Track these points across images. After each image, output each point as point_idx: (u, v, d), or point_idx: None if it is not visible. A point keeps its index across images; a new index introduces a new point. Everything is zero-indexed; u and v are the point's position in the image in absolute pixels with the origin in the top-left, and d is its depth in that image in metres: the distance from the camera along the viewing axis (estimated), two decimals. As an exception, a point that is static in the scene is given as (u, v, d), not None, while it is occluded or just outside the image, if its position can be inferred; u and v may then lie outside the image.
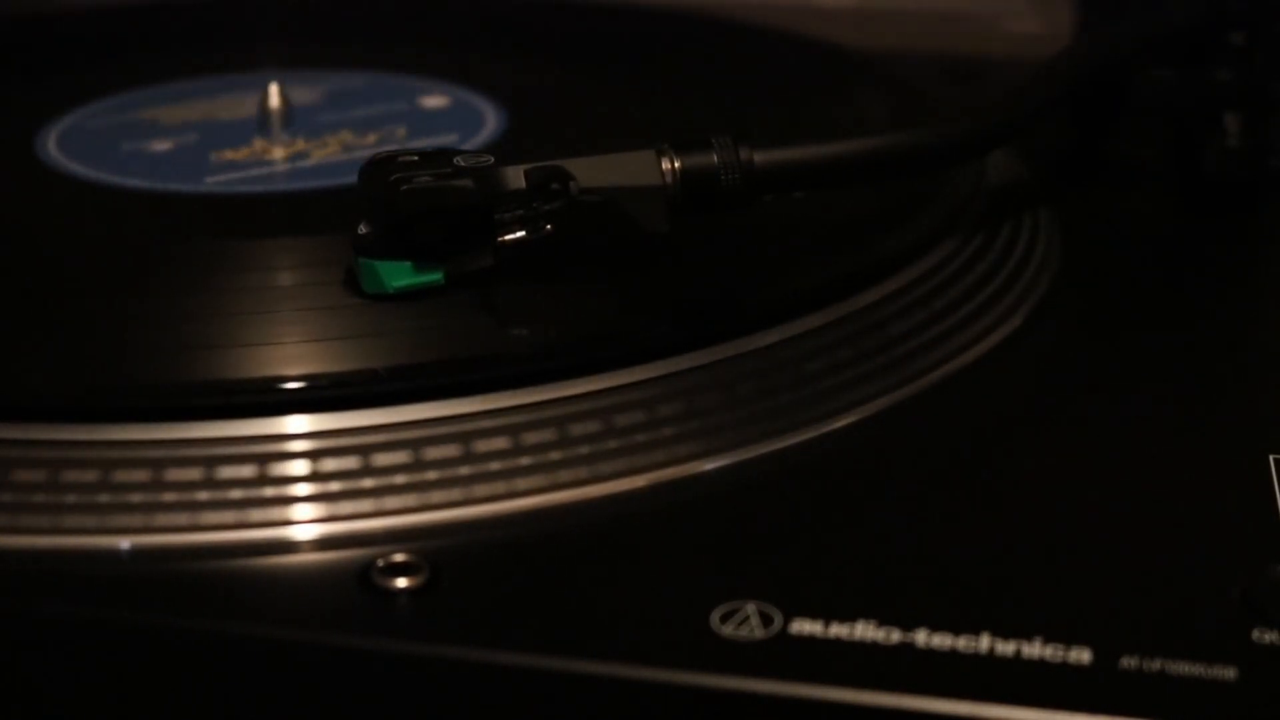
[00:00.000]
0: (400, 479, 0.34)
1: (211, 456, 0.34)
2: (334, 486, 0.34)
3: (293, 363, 0.36)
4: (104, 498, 0.33)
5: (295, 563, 0.33)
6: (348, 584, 0.32)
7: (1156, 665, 0.30)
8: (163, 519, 0.33)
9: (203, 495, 0.33)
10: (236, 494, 0.34)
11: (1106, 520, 0.34)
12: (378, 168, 0.38)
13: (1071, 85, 0.46)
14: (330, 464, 0.34)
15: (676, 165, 0.38)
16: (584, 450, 0.35)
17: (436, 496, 0.34)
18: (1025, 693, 0.29)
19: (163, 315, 0.38)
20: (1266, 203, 0.50)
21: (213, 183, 0.46)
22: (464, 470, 0.34)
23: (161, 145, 0.49)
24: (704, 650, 0.30)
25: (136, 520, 0.33)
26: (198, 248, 0.41)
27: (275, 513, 0.33)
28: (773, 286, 0.40)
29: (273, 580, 0.32)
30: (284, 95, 0.51)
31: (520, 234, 0.37)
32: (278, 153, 0.49)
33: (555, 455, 0.35)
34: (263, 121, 0.51)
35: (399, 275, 0.37)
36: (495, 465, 0.34)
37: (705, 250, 0.40)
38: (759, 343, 0.38)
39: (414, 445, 0.34)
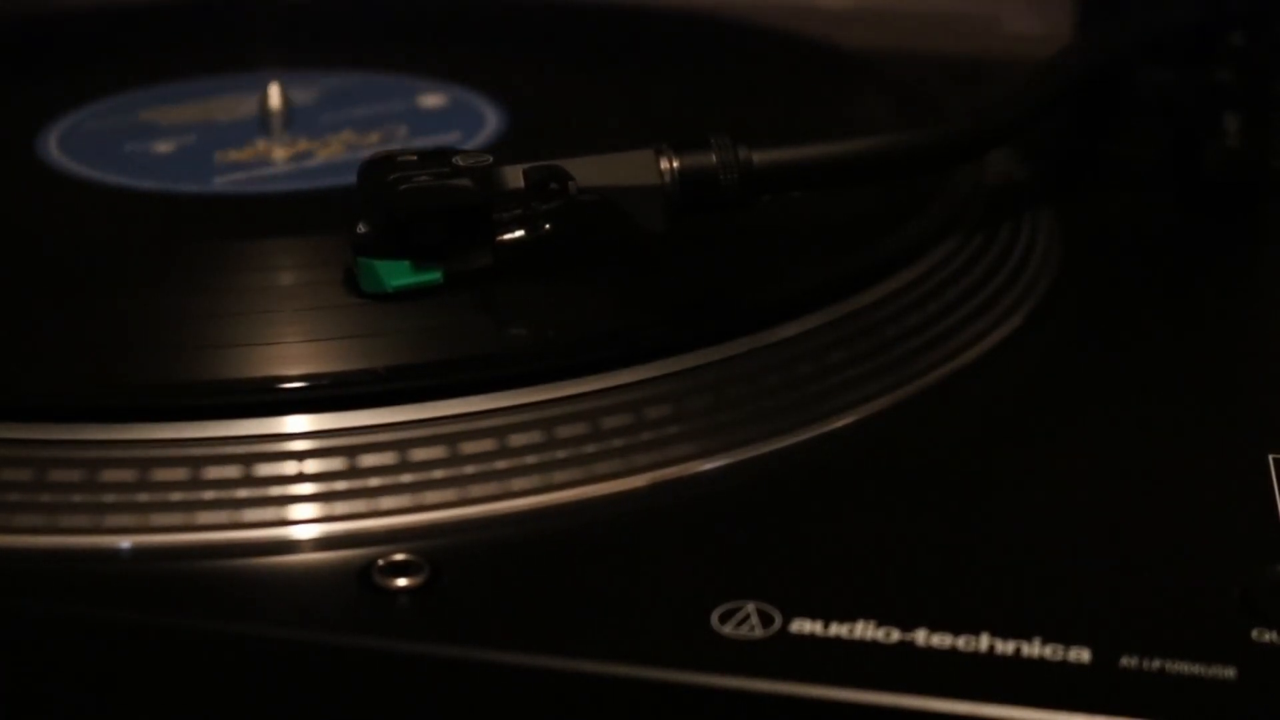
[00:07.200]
0: (400, 479, 0.34)
1: (211, 456, 0.34)
2: (334, 486, 0.34)
3: (292, 362, 0.36)
4: (104, 497, 0.33)
5: (295, 563, 0.33)
6: (348, 584, 0.32)
7: (1156, 665, 0.30)
8: (163, 519, 0.33)
9: (203, 495, 0.33)
10: (237, 494, 0.34)
11: (1106, 520, 0.34)
12: (376, 167, 0.38)
13: (1070, 85, 0.46)
14: (330, 464, 0.34)
15: (675, 165, 0.37)
16: (583, 450, 0.35)
17: (436, 496, 0.34)
18: (1025, 693, 0.29)
19: (161, 315, 0.38)
20: (1266, 203, 0.50)
21: (213, 183, 0.46)
22: (463, 470, 0.34)
23: (162, 146, 0.49)
24: (704, 650, 0.30)
25: (136, 520, 0.33)
26: (197, 247, 0.41)
27: (275, 512, 0.33)
28: (772, 286, 0.40)
29: (273, 580, 0.32)
30: (284, 95, 0.51)
31: (519, 234, 0.37)
32: (278, 153, 0.49)
33: (554, 455, 0.35)
34: (263, 121, 0.51)
35: (397, 274, 0.37)
36: (494, 465, 0.34)
37: (704, 250, 0.40)
38: (759, 343, 0.38)
39: (413, 445, 0.34)
